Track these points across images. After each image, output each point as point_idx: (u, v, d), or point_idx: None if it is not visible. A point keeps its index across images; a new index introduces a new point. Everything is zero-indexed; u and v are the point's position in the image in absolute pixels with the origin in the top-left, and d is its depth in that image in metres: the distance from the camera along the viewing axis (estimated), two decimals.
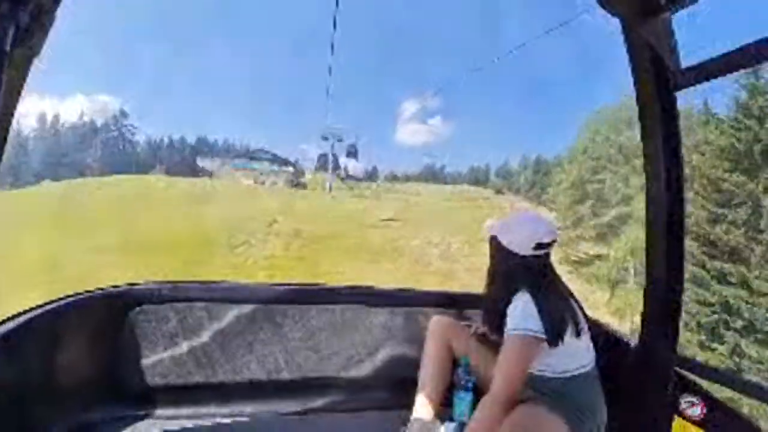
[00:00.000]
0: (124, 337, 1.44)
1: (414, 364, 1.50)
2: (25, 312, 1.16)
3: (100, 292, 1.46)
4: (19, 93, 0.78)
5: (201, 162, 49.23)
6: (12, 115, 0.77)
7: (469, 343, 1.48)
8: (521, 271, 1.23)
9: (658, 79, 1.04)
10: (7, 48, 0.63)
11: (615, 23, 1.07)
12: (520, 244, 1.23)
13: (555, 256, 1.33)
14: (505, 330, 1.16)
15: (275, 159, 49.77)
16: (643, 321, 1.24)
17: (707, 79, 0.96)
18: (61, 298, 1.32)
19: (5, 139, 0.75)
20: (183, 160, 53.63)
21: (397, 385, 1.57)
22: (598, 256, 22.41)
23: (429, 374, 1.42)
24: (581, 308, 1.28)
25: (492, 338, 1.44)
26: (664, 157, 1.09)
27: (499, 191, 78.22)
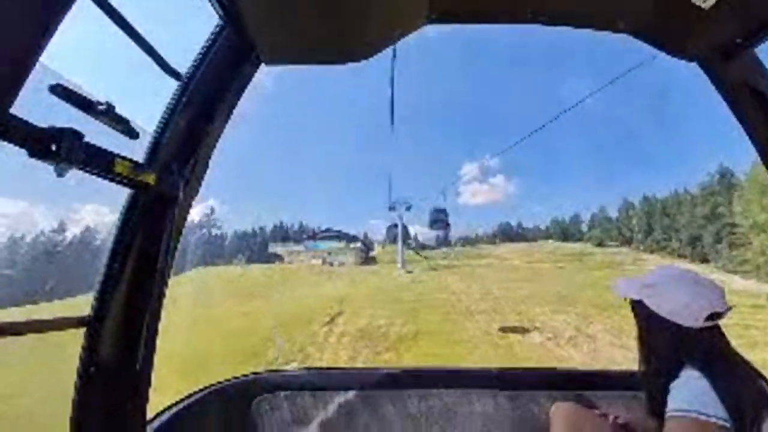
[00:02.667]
0: (248, 426, 1.53)
1: None
2: (174, 405, 1.27)
3: (228, 383, 1.55)
4: (184, 222, 1.03)
5: (272, 248, 49.79)
6: (180, 236, 1.03)
7: None
8: (689, 348, 0.97)
9: (765, 109, 1.01)
10: (181, 196, 0.93)
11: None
12: (687, 314, 0.97)
13: None
14: (667, 411, 0.91)
15: (342, 236, 48.38)
16: None
17: None
18: (201, 389, 1.45)
19: (175, 251, 0.99)
20: (260, 247, 55.45)
21: None
22: None
23: None
24: None
25: (639, 430, 1.25)
26: None
27: (600, 244, 65.51)
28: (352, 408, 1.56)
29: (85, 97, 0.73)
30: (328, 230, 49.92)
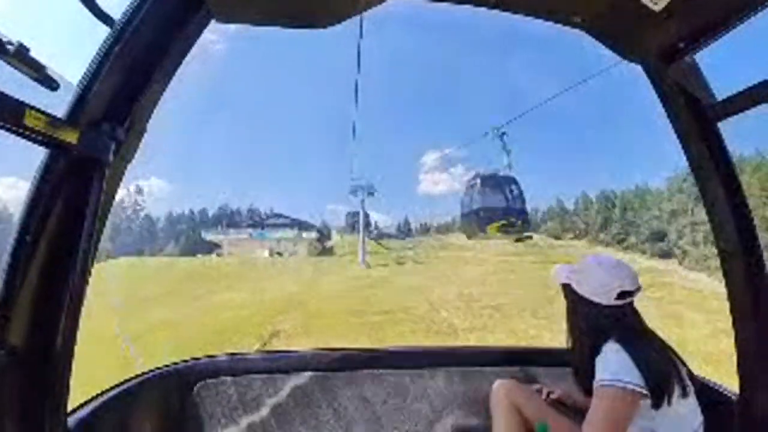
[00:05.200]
0: (190, 413, 1.45)
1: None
2: (100, 394, 1.18)
3: (166, 369, 1.46)
4: (114, 194, 0.92)
5: (207, 235, 41.90)
6: (109, 211, 0.91)
7: (542, 409, 1.35)
8: (606, 323, 1.10)
9: (697, 115, 1.07)
10: (110, 160, 0.82)
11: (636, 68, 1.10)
12: (601, 292, 1.11)
13: None
14: (594, 383, 1.02)
15: (294, 223, 42.24)
16: (740, 376, 1.17)
17: (743, 110, 0.98)
18: (133, 378, 1.33)
19: (102, 228, 0.88)
20: (199, 234, 47.38)
21: None
22: None
23: None
24: (683, 363, 1.11)
25: (570, 402, 1.42)
26: (725, 188, 1.08)
27: (557, 236, 66.65)
28: (305, 390, 1.51)
29: None
30: (278, 216, 43.41)
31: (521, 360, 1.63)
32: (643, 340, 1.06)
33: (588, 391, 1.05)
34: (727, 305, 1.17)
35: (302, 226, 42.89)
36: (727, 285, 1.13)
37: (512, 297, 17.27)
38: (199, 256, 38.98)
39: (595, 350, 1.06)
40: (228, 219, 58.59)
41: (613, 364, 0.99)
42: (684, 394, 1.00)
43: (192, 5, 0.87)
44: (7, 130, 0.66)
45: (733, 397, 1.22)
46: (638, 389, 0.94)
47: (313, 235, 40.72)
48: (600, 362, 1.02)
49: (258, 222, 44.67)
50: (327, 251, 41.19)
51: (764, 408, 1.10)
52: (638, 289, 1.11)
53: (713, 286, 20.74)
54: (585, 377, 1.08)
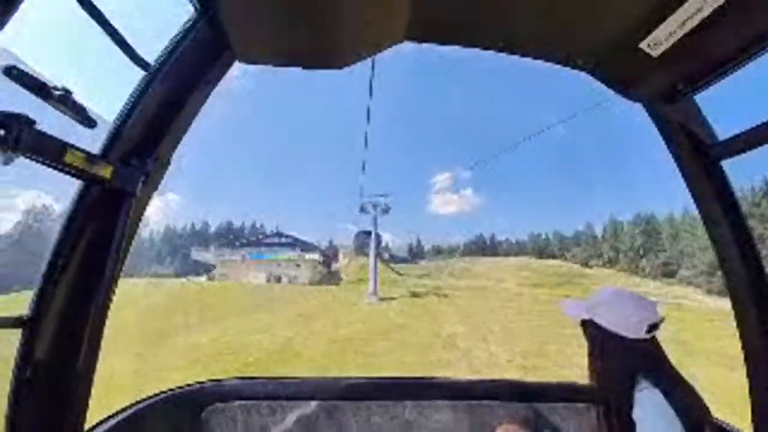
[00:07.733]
0: None
1: None
2: (113, 415, 1.19)
3: (178, 391, 1.47)
4: (139, 221, 0.99)
5: (197, 254, 37.36)
6: (134, 237, 0.98)
7: None
8: (639, 359, 1.07)
9: (699, 155, 1.10)
10: (138, 192, 0.89)
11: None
12: (631, 326, 1.08)
13: None
14: None
15: (296, 244, 37.59)
16: (753, 414, 1.16)
17: (745, 151, 1.00)
18: (143, 400, 1.34)
19: (127, 252, 0.94)
20: (187, 254, 43.19)
21: None
22: None
23: None
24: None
25: None
26: (731, 227, 1.09)
27: (586, 264, 60.83)
28: (311, 419, 1.52)
29: (40, 81, 0.71)
30: (279, 235, 38.86)
31: (530, 395, 1.59)
32: (675, 381, 1.05)
33: (614, 429, 1.08)
34: None
35: (305, 246, 38.39)
36: (738, 325, 1.14)
37: (571, 359, 12.38)
38: (191, 278, 34.62)
39: (628, 388, 1.04)
40: (226, 236, 54.64)
41: (660, 422, 0.95)
42: None
43: (219, 48, 0.94)
44: (49, 166, 0.72)
45: None
46: None
47: (317, 256, 36.14)
48: (643, 418, 0.98)
49: (256, 241, 40.23)
50: (333, 276, 36.49)
51: None
52: (662, 320, 1.10)
53: None
54: (617, 417, 1.07)
